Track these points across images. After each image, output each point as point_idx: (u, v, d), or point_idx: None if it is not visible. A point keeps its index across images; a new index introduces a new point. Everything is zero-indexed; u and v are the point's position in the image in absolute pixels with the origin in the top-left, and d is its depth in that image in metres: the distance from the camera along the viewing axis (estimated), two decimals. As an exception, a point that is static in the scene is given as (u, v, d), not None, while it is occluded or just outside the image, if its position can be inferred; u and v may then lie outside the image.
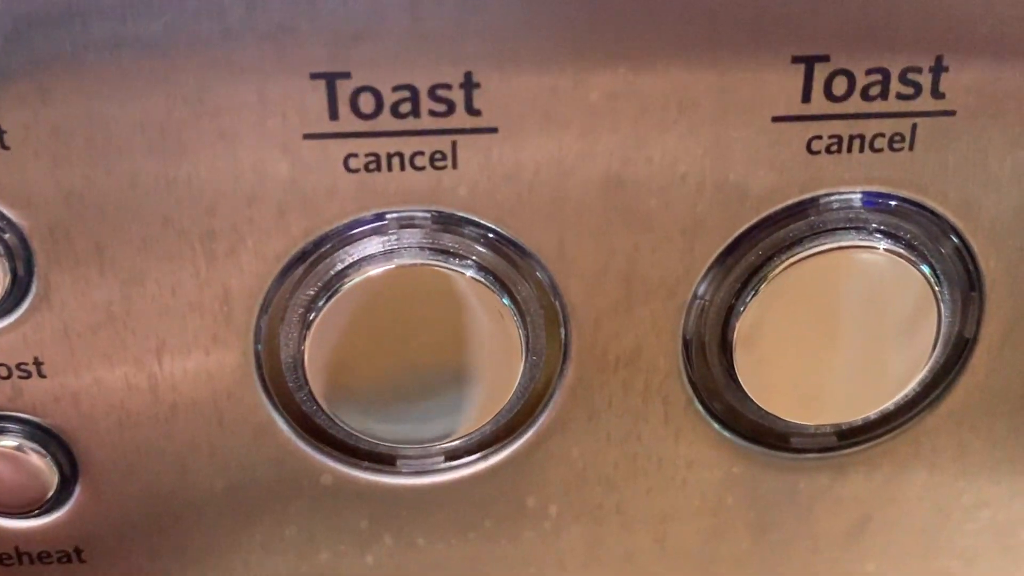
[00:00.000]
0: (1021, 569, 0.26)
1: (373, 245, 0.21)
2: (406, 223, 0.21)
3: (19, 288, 0.21)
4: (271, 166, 0.20)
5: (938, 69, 0.20)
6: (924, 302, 0.22)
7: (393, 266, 0.21)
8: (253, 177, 0.20)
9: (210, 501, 0.23)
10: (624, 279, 0.21)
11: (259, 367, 0.22)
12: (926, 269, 0.22)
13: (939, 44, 0.20)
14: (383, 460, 0.23)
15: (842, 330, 0.22)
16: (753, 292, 0.22)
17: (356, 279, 0.21)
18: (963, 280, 0.22)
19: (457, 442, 0.23)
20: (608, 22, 0.19)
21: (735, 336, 0.22)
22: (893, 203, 0.22)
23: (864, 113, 0.20)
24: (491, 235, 0.21)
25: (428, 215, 0.21)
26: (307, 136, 0.20)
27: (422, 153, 0.20)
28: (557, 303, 0.22)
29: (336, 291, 0.21)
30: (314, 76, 0.19)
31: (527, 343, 0.22)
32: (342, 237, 0.21)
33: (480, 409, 0.22)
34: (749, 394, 0.23)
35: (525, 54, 0.19)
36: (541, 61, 0.19)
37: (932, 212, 0.22)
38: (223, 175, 0.20)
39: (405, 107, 0.20)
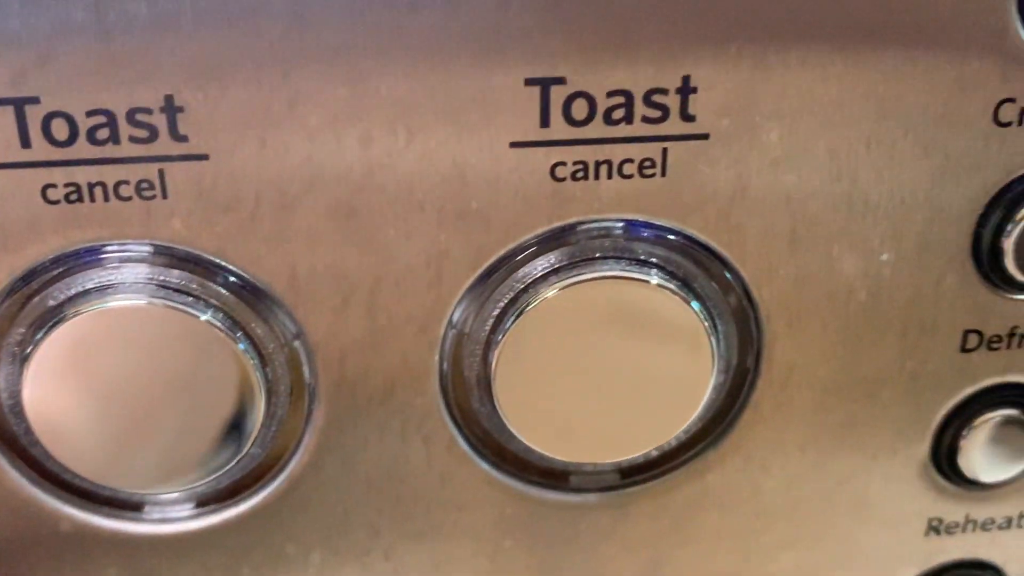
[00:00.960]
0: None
1: (90, 281, 0.19)
2: (125, 258, 0.19)
3: None
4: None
5: (686, 90, 0.19)
6: (695, 335, 0.21)
7: (118, 305, 0.19)
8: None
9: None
10: (368, 313, 0.20)
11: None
12: (695, 303, 0.21)
13: (686, 64, 0.19)
14: (127, 507, 0.22)
15: (608, 364, 0.21)
16: (511, 323, 0.20)
17: (76, 317, 0.19)
18: (738, 311, 0.21)
19: (203, 488, 0.21)
20: (325, 40, 0.18)
21: (494, 370, 0.21)
22: (654, 231, 0.20)
23: (609, 138, 0.19)
24: (217, 270, 0.20)
25: (148, 249, 0.19)
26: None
27: (127, 183, 0.18)
28: (298, 341, 0.20)
29: (51, 328, 0.19)
30: (1, 102, 0.18)
31: (267, 385, 0.20)
32: (50, 274, 0.19)
33: (227, 455, 0.21)
34: (514, 431, 0.21)
35: (232, 75, 0.18)
36: (251, 82, 0.18)
37: (695, 240, 0.20)
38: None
39: (103, 133, 0.18)
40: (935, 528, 0.24)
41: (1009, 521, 0.24)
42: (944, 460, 0.23)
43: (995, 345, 0.22)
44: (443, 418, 0.21)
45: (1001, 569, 0.25)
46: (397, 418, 0.21)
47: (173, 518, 0.22)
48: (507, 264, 0.20)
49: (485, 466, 0.22)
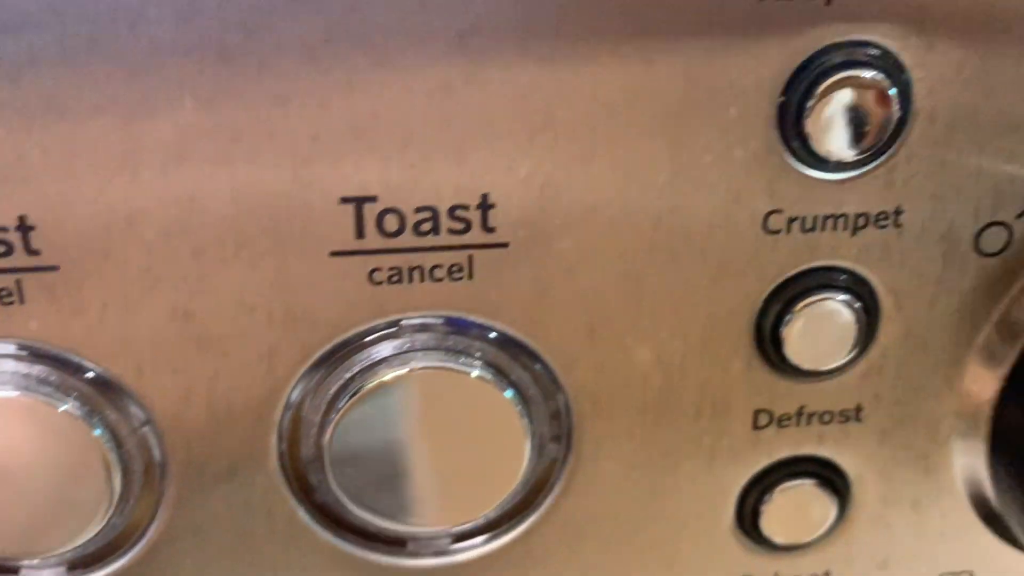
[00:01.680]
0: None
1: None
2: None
3: None
4: None
5: (485, 206, 0.21)
6: (509, 418, 0.23)
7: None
8: None
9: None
10: (207, 404, 0.22)
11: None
12: (509, 391, 0.23)
13: (485, 184, 0.21)
14: (7, 570, 0.24)
15: (434, 442, 0.23)
16: (343, 404, 0.23)
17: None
18: (548, 395, 0.23)
19: (72, 554, 0.24)
20: (158, 164, 0.20)
21: (328, 449, 0.23)
22: (471, 326, 0.23)
23: (419, 247, 0.21)
24: (73, 365, 0.22)
25: (12, 348, 0.22)
26: None
27: (-13, 293, 0.21)
28: (147, 427, 0.23)
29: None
30: None
31: (122, 464, 0.23)
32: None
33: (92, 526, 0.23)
34: (347, 503, 0.23)
35: (77, 197, 0.20)
36: (93, 201, 0.20)
37: (507, 334, 0.23)
38: None
39: (-40, 248, 0.20)
40: (749, 584, 0.26)
41: (816, 576, 0.27)
42: (748, 524, 0.25)
43: (785, 423, 0.24)
44: (283, 493, 0.24)
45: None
46: (241, 494, 0.23)
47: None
48: (338, 354, 0.23)
49: (326, 535, 0.24)
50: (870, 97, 0.21)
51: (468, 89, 0.20)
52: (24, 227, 0.20)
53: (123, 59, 0.19)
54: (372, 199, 0.21)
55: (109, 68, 0.19)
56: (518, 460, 0.23)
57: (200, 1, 0.19)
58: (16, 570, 0.24)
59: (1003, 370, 0.24)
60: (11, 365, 0.22)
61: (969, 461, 0.25)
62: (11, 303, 0.21)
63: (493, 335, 0.23)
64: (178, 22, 0.19)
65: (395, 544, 0.25)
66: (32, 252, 0.21)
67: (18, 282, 0.21)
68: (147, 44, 0.19)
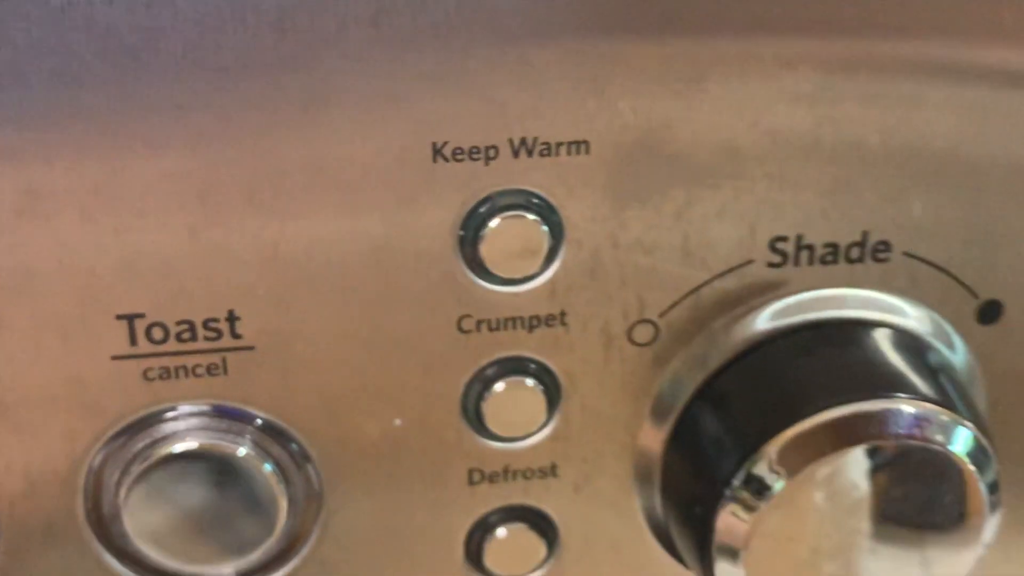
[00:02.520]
0: None
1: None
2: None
3: None
4: None
5: (232, 319, 0.28)
6: (270, 486, 0.29)
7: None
8: None
9: None
10: (25, 473, 0.28)
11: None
12: (267, 464, 0.29)
13: (231, 301, 0.27)
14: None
15: (207, 502, 0.29)
16: (134, 471, 0.29)
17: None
18: (302, 465, 0.30)
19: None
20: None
21: (124, 507, 0.29)
22: (236, 412, 0.29)
23: (182, 351, 0.28)
24: None
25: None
26: None
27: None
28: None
29: None
30: None
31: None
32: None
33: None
34: (144, 551, 0.29)
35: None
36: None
37: (267, 419, 0.29)
38: None
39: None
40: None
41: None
42: (474, 561, 0.32)
43: (495, 479, 0.31)
44: (93, 543, 0.29)
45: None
46: (58, 547, 0.29)
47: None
48: (127, 433, 0.28)
49: (130, 576, 0.30)
50: (529, 231, 0.28)
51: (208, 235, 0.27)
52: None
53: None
54: (140, 315, 0.27)
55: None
56: (278, 518, 0.30)
57: None
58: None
59: (665, 432, 0.30)
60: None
61: (649, 503, 0.32)
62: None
63: (259, 420, 0.29)
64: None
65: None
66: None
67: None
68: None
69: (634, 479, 0.31)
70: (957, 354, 0.32)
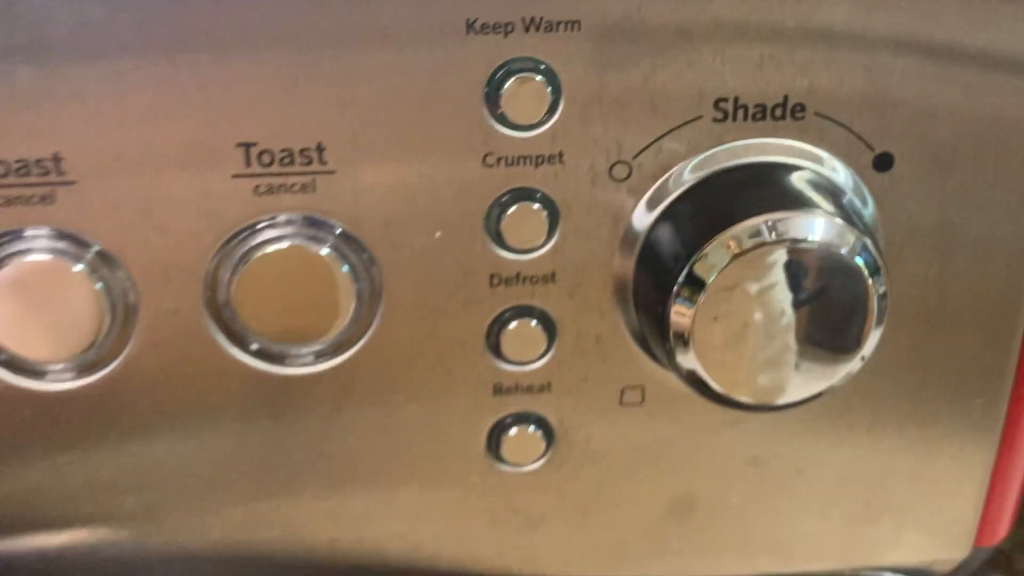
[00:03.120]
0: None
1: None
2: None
3: None
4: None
5: (320, 149, 0.38)
6: (345, 282, 0.39)
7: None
8: None
9: None
10: (163, 268, 0.38)
11: None
12: (345, 267, 0.39)
13: (318, 133, 0.38)
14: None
15: (291, 294, 0.39)
16: (241, 268, 0.39)
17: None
18: (368, 269, 0.40)
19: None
20: (135, 127, 0.36)
21: (233, 297, 0.39)
22: (322, 224, 0.39)
23: (283, 172, 0.38)
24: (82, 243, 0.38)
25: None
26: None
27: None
28: (128, 282, 0.39)
29: None
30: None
31: (112, 307, 0.39)
32: None
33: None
34: (247, 333, 0.40)
35: (89, 144, 0.37)
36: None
37: (345, 231, 0.39)
38: None
39: None
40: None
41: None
42: (494, 347, 0.42)
43: (509, 283, 0.41)
44: (210, 326, 0.40)
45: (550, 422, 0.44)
46: (184, 326, 0.40)
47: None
48: (241, 235, 0.39)
49: (233, 352, 0.40)
50: (537, 89, 0.38)
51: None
52: (59, 161, 0.37)
53: None
54: (255, 144, 0.37)
55: None
56: (347, 299, 0.40)
57: None
58: (43, 373, 0.40)
59: (635, 253, 0.40)
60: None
61: (628, 314, 0.42)
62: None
63: (338, 230, 0.39)
64: None
65: (277, 359, 0.41)
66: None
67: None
68: None
69: (613, 293, 0.41)
70: (868, 208, 0.41)
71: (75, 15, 0.35)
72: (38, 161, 0.36)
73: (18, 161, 0.36)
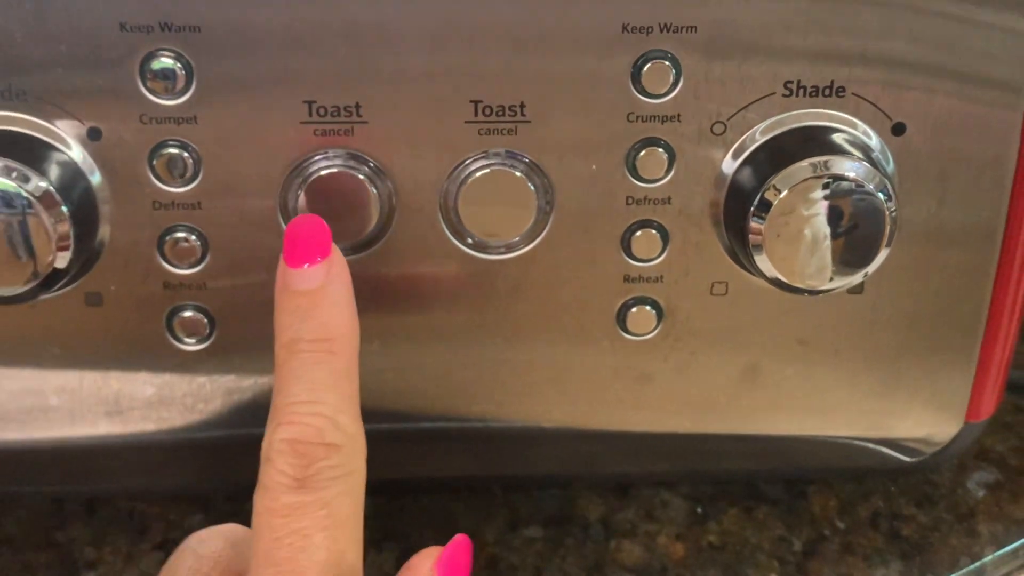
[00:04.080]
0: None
1: (323, 165, 0.58)
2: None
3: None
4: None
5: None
6: (530, 194, 0.59)
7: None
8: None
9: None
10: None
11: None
12: (531, 185, 0.59)
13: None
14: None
15: (491, 204, 0.59)
16: (464, 183, 0.59)
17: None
18: (549, 189, 0.60)
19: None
20: None
21: (458, 202, 0.59)
22: (518, 156, 0.59)
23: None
24: (366, 162, 0.58)
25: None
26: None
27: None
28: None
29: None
30: (304, 103, 0.57)
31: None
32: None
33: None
34: (465, 227, 0.60)
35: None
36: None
37: (533, 161, 0.59)
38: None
39: (334, 114, 0.57)
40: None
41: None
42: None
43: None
44: (440, 223, 0.59)
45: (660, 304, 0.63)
46: (421, 226, 0.59)
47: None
48: (460, 164, 0.58)
49: (454, 242, 0.60)
50: (664, 70, 0.57)
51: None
52: (357, 107, 0.57)
53: None
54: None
55: None
56: (531, 209, 0.59)
57: None
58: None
59: (724, 190, 0.60)
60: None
61: (722, 236, 0.61)
62: (348, 136, 0.57)
63: (527, 159, 0.59)
64: None
65: (480, 248, 0.60)
66: (358, 117, 0.57)
67: (352, 128, 0.57)
68: None
69: (709, 213, 0.60)
70: (888, 162, 0.60)
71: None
72: (345, 107, 0.56)
73: (333, 106, 0.56)
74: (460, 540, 0.46)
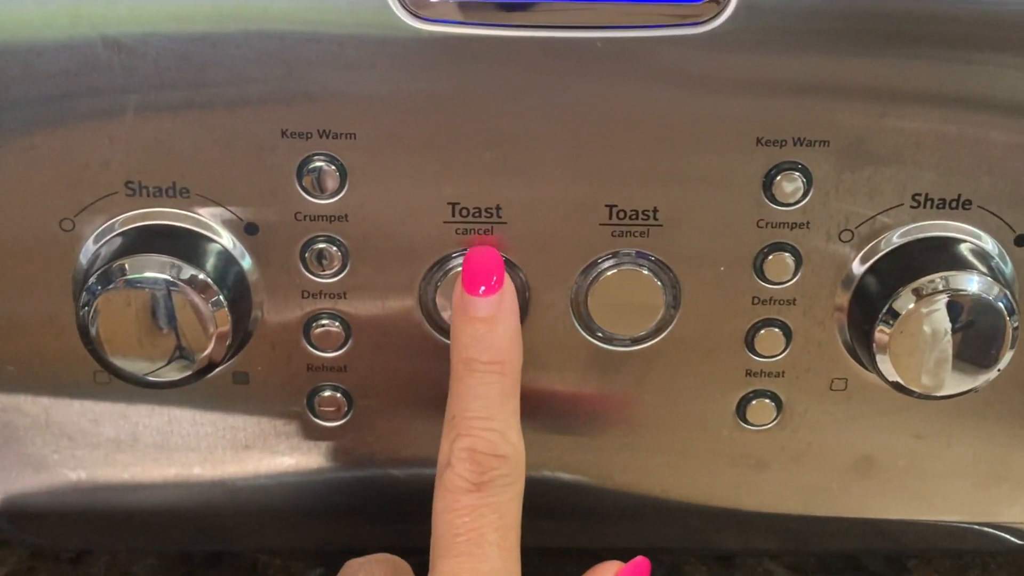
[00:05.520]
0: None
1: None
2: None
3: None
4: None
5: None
6: (657, 292, 0.62)
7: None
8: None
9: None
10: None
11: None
12: (659, 283, 0.61)
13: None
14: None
15: (623, 299, 0.62)
16: (592, 281, 0.61)
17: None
18: (674, 286, 0.62)
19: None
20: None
21: (588, 299, 0.62)
22: (646, 256, 0.61)
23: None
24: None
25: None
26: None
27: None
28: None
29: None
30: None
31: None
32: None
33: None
34: (593, 320, 0.62)
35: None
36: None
37: (658, 259, 0.61)
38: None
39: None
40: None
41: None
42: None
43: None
44: (571, 319, 0.62)
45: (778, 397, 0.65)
46: (546, 322, 0.62)
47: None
48: (592, 263, 0.61)
49: (584, 335, 0.62)
50: (795, 181, 0.59)
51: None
52: (498, 209, 0.59)
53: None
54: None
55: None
56: (658, 307, 0.61)
57: (566, 137, 0.58)
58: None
59: (850, 291, 0.61)
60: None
61: (843, 334, 0.62)
62: (488, 235, 0.60)
63: (651, 257, 0.61)
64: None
65: (607, 340, 0.63)
66: (499, 218, 0.59)
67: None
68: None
69: (833, 314, 0.62)
70: (1008, 268, 0.61)
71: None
72: (486, 208, 0.59)
73: (475, 207, 0.59)
74: (641, 561, 0.53)
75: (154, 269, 0.52)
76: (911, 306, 0.58)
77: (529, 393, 0.63)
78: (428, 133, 0.56)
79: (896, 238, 0.60)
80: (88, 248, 0.55)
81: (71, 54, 0.54)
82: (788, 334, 0.62)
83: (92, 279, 0.54)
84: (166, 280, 0.54)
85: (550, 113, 0.54)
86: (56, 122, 0.55)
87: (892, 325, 0.58)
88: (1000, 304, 0.58)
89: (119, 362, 0.56)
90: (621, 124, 0.57)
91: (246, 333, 0.60)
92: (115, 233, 0.57)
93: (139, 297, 0.54)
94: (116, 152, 0.56)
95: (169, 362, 0.55)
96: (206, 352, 0.55)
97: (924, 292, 0.58)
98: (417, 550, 0.53)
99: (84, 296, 0.54)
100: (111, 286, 0.54)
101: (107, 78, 0.54)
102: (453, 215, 0.58)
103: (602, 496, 0.66)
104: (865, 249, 0.59)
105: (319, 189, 0.57)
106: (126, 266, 0.54)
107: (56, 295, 0.59)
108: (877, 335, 0.59)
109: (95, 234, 0.57)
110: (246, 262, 0.59)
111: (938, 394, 0.60)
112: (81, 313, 0.55)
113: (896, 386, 0.60)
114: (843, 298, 0.61)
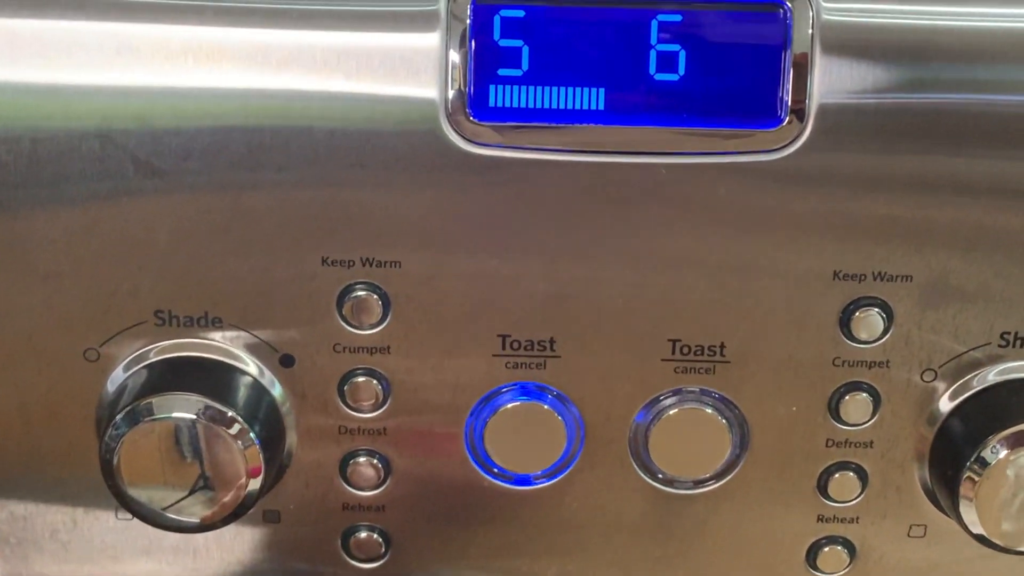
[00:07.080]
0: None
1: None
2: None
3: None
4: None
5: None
6: (723, 432, 0.57)
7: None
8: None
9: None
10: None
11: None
12: (723, 420, 0.57)
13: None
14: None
15: (687, 441, 0.57)
16: (653, 424, 0.57)
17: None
18: (741, 423, 0.57)
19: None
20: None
21: (647, 441, 0.57)
22: (710, 393, 0.56)
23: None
24: (557, 395, 0.57)
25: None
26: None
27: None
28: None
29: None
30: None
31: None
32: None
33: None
34: (653, 463, 0.58)
35: (572, 333, 0.55)
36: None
37: (723, 396, 0.57)
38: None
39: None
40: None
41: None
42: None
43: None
44: (628, 459, 0.57)
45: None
46: (605, 467, 0.57)
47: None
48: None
49: (643, 477, 0.58)
50: (875, 319, 0.54)
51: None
52: (552, 343, 0.55)
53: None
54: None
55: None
56: (724, 448, 0.57)
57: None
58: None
59: (932, 434, 0.57)
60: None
61: (923, 477, 0.58)
62: (541, 370, 0.56)
63: (716, 395, 0.56)
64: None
65: (669, 483, 0.58)
66: (553, 352, 0.55)
67: (545, 362, 0.56)
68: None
69: (913, 458, 0.57)
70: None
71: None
72: (539, 341, 0.55)
73: (527, 340, 0.55)
74: None
75: (182, 408, 0.48)
76: (1002, 455, 0.53)
77: (581, 535, 0.59)
78: (478, 261, 0.52)
79: (984, 379, 0.55)
80: (117, 376, 0.52)
81: (101, 175, 0.50)
82: (864, 478, 0.58)
83: (118, 417, 0.51)
84: (194, 420, 0.50)
85: (609, 241, 0.50)
86: (83, 249, 0.51)
87: (980, 475, 0.53)
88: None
89: (141, 498, 0.52)
90: (686, 253, 0.53)
91: (280, 469, 0.56)
92: (143, 364, 0.54)
93: (165, 431, 0.50)
94: (145, 280, 0.52)
95: (191, 493, 0.51)
96: (237, 493, 0.51)
97: (1015, 442, 0.53)
98: None
99: (110, 432, 0.51)
100: (138, 426, 0.50)
101: (138, 203, 0.51)
102: (503, 348, 0.55)
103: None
104: (950, 390, 0.55)
105: (360, 320, 0.53)
106: (153, 405, 0.50)
107: (79, 426, 0.55)
108: (963, 484, 0.54)
109: (124, 363, 0.54)
110: (278, 393, 0.55)
111: (1018, 548, 0.55)
112: (104, 450, 0.51)
113: (980, 539, 0.55)
114: (924, 442, 0.57)
